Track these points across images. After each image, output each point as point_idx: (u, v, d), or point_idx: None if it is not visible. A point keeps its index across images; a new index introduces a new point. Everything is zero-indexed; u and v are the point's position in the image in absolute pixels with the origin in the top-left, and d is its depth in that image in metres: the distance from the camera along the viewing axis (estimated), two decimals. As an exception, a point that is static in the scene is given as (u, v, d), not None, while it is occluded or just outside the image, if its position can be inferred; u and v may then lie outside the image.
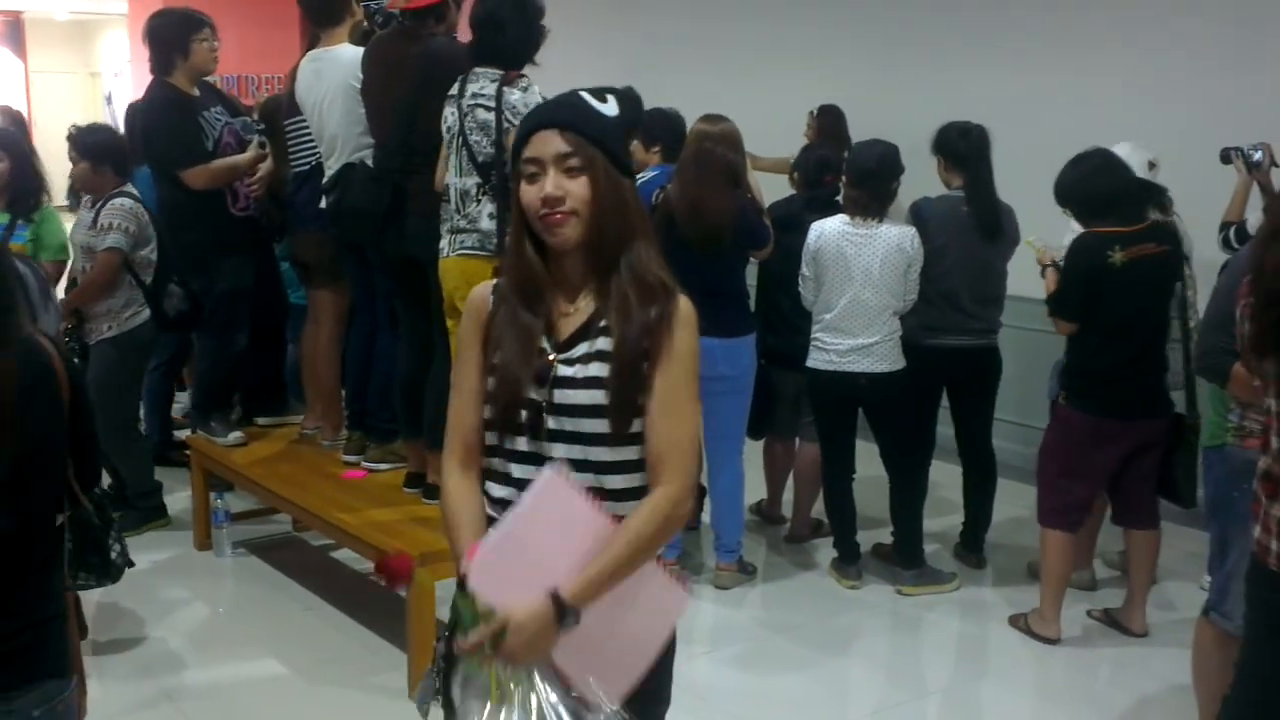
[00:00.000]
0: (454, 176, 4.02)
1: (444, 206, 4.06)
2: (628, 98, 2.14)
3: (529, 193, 2.02)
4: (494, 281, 2.19)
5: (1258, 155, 4.89)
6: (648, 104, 5.10)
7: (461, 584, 1.99)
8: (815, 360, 4.78)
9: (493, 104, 3.92)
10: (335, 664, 4.24)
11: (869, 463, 5.02)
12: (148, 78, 5.15)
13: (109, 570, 4.13)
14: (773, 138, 6.41)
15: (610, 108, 2.06)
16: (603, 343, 2.04)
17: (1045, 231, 4.77)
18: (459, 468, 2.14)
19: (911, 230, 4.73)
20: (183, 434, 6.24)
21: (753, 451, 5.04)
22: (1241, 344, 2.64)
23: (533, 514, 1.98)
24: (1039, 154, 5.20)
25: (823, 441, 4.95)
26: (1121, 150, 4.76)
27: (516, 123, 3.87)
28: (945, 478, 5.34)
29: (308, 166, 4.82)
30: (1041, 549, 4.45)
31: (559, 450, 2.04)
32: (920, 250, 4.69)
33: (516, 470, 2.08)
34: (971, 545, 5.14)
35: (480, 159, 3.93)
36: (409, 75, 4.22)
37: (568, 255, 2.06)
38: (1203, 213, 4.89)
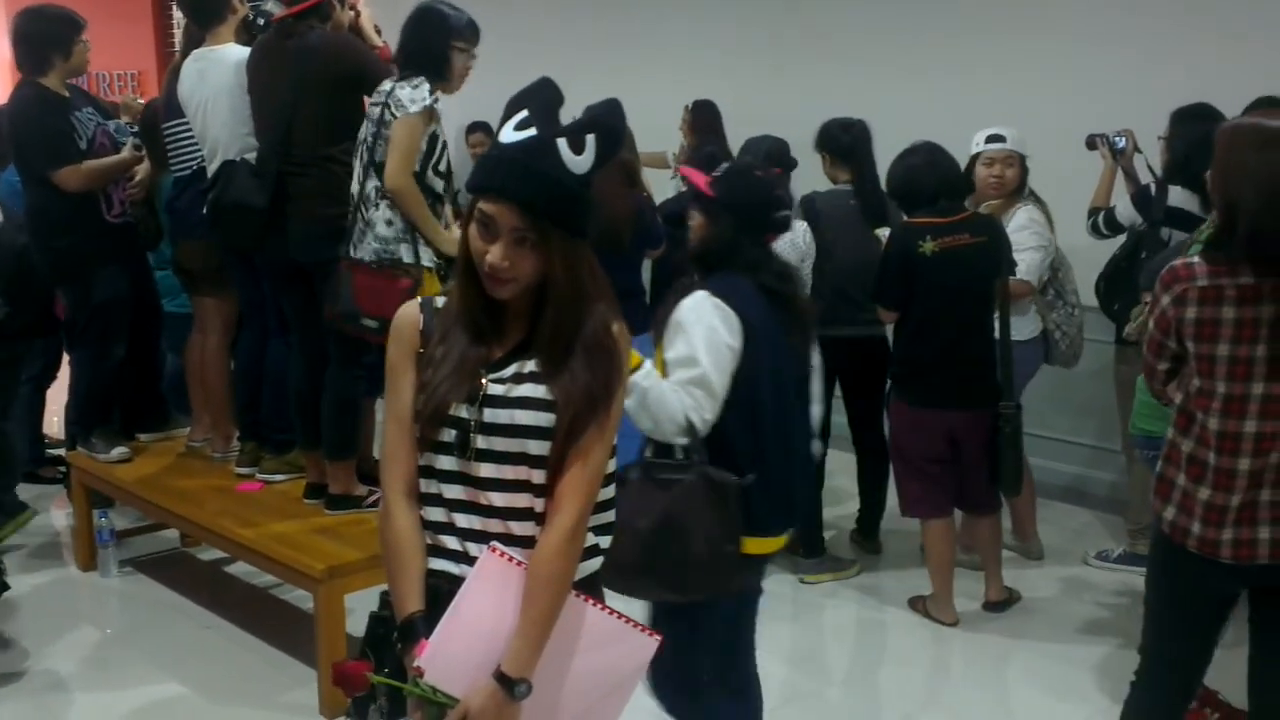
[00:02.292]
0: (356, 180, 3.94)
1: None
2: (608, 127, 2.01)
3: (477, 243, 1.97)
4: (419, 300, 2.16)
5: (1121, 142, 5.04)
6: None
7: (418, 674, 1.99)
8: (715, 356, 4.83)
9: (384, 99, 3.87)
10: (240, 683, 4.13)
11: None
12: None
13: (-20, 590, 3.99)
14: (647, 133, 6.41)
15: (585, 158, 1.96)
16: (533, 364, 2.03)
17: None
18: (404, 501, 2.09)
19: (803, 225, 4.79)
20: (57, 451, 6.03)
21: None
22: (1178, 328, 2.68)
23: (475, 596, 1.99)
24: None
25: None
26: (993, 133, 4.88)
27: (399, 115, 3.82)
28: (839, 465, 5.44)
29: (189, 171, 4.67)
30: (923, 538, 4.60)
31: (486, 470, 2.02)
32: (812, 245, 4.77)
33: (447, 491, 2.06)
34: (868, 532, 5.26)
35: (380, 160, 3.85)
36: (287, 72, 4.11)
37: (512, 299, 2.02)
38: (1073, 198, 5.05)
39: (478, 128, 7.90)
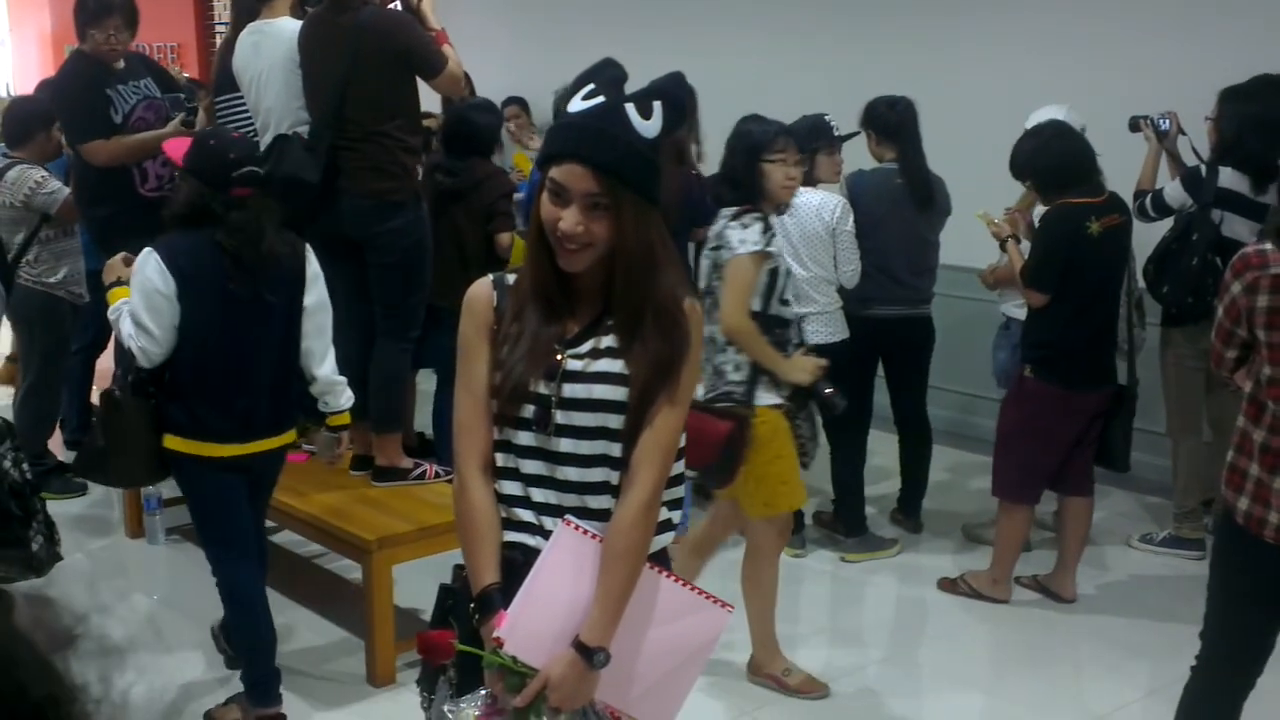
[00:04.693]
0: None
1: None
2: (673, 97, 2.01)
3: (549, 211, 1.97)
4: (491, 277, 2.16)
5: (1165, 124, 5.00)
6: (563, 81, 5.04)
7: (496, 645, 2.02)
8: (760, 332, 4.84)
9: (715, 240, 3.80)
10: (288, 651, 4.15)
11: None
12: (29, 47, 5.01)
13: (30, 563, 4.03)
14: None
15: (653, 124, 1.97)
16: (609, 339, 2.04)
17: (977, 199, 4.86)
18: (479, 476, 2.10)
19: (834, 199, 4.72)
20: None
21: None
22: (1248, 316, 2.66)
23: (551, 568, 2.02)
24: (963, 123, 5.30)
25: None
26: (1048, 113, 4.83)
27: (729, 257, 3.64)
28: (880, 445, 5.43)
29: (241, 144, 4.69)
30: (1000, 520, 4.56)
31: (565, 445, 2.04)
32: (844, 219, 4.69)
33: (525, 466, 2.08)
34: (909, 511, 5.25)
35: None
36: (341, 48, 4.13)
37: (584, 271, 2.03)
38: (1116, 180, 4.99)
39: (512, 101, 7.87)
